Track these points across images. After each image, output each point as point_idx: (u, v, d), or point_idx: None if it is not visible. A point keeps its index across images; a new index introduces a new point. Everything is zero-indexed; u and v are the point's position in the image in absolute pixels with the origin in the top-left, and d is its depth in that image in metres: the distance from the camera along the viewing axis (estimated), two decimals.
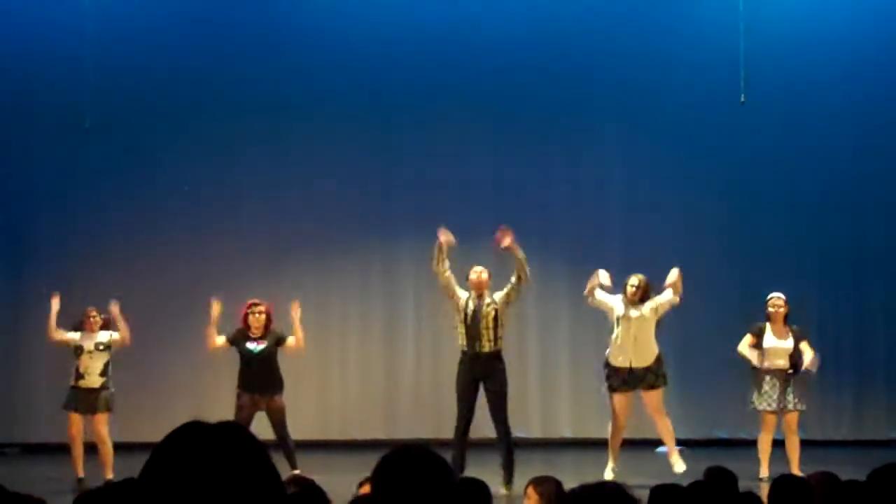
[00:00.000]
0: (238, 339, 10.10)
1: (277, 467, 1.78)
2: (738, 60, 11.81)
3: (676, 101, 13.15)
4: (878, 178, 13.23)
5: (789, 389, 10.42)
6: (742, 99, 11.60)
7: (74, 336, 10.37)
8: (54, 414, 11.07)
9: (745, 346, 10.58)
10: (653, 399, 10.14)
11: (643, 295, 10.13)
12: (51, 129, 12.96)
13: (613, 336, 10.11)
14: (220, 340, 10.20)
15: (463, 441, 9.69)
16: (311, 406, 12.70)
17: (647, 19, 13.36)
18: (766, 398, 10.43)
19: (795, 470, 9.93)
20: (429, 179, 13.23)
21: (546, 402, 13.13)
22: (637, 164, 13.27)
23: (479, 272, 9.85)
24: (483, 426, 10.94)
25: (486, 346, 9.67)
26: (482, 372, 9.70)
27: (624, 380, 10.10)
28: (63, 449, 10.60)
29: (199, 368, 12.75)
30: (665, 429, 10.15)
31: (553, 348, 13.27)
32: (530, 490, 5.02)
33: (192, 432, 1.74)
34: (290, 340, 10.21)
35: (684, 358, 12.56)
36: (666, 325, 12.69)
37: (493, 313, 9.68)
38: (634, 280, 10.14)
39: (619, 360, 10.11)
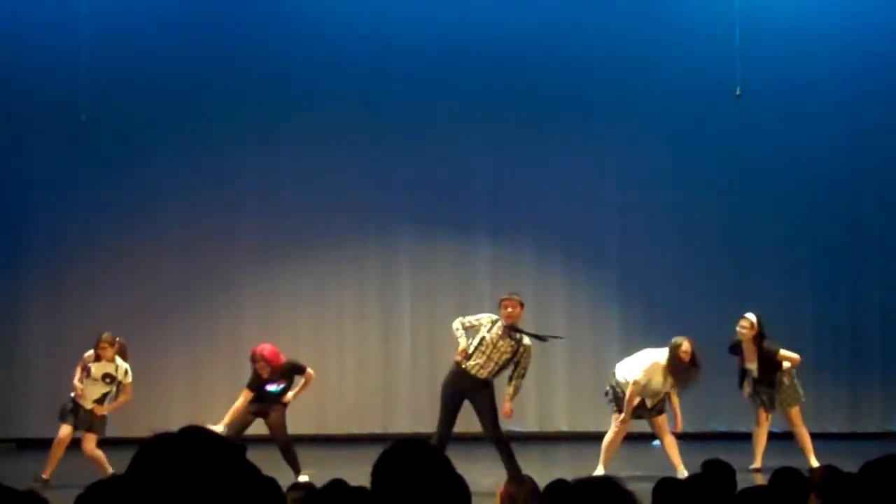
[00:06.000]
0: (257, 386, 10.03)
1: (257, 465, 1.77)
2: (733, 53, 11.79)
3: (672, 95, 13.14)
4: (874, 171, 13.23)
5: (775, 391, 10.55)
6: (738, 92, 11.58)
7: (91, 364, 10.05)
8: (49, 410, 11.02)
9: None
10: (661, 423, 10.09)
11: None
12: (46, 123, 12.92)
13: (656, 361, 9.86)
14: (245, 396, 10.07)
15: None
16: (308, 401, 12.58)
17: (642, 13, 13.33)
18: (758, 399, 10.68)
19: (812, 461, 9.96)
20: (424, 176, 13.21)
21: (542, 396, 13.11)
22: (632, 158, 13.24)
23: (513, 304, 9.45)
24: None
25: (483, 375, 9.47)
26: (469, 389, 9.48)
27: (645, 406, 9.97)
28: None
29: (195, 364, 12.74)
30: (672, 445, 10.04)
31: (549, 343, 13.23)
32: (503, 488, 4.82)
33: (157, 445, 1.71)
34: (299, 380, 10.17)
35: None
36: (662, 317, 12.73)
37: (507, 357, 9.43)
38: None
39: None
